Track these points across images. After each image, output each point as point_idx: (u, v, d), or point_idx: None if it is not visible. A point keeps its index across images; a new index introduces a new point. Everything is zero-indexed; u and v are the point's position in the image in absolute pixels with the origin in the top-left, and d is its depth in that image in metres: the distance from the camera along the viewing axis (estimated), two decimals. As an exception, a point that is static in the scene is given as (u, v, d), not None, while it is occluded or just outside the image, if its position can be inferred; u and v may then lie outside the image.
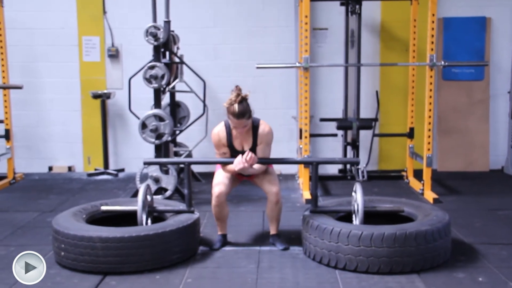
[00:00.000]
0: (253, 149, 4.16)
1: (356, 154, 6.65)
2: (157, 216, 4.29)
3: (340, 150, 6.93)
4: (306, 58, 5.70)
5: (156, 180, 5.54)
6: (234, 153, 4.19)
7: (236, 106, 3.94)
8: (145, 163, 4.53)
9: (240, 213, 5.26)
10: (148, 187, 4.19)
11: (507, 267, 3.84)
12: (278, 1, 7.06)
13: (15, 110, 6.83)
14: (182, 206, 4.34)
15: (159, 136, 5.51)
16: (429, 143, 5.83)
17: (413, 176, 6.50)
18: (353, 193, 4.14)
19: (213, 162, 4.32)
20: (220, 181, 4.23)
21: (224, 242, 4.31)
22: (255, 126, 4.17)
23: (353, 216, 4.11)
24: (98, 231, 3.78)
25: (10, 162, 6.66)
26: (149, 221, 4.15)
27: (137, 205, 4.04)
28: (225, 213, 4.28)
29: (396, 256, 3.65)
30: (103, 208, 4.29)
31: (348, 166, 6.85)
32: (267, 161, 4.21)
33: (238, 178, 4.37)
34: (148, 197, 4.18)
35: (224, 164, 4.23)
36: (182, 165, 6.51)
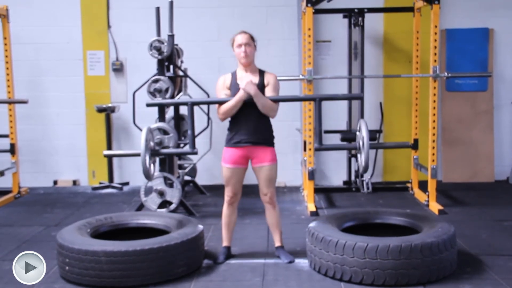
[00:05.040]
0: (259, 88, 4.11)
1: (361, 166, 6.64)
2: (161, 229, 4.28)
3: (345, 162, 6.92)
4: (309, 70, 5.72)
5: (161, 194, 5.54)
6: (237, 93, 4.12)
7: None
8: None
9: (245, 225, 5.25)
10: (149, 130, 4.19)
11: (513, 278, 3.82)
12: (282, 14, 7.09)
13: (20, 125, 6.86)
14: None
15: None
16: (433, 154, 5.82)
17: (418, 187, 6.48)
18: (358, 132, 4.25)
19: (215, 102, 4.21)
20: (229, 182, 4.18)
21: (228, 255, 4.29)
22: (261, 71, 4.21)
23: (358, 154, 4.24)
24: (102, 245, 3.79)
25: (15, 176, 6.67)
26: (152, 166, 4.21)
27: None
28: (233, 219, 4.28)
29: (402, 268, 3.64)
30: (105, 152, 4.51)
31: (353, 177, 6.83)
32: (273, 99, 4.12)
33: (243, 163, 4.18)
34: (151, 143, 4.20)
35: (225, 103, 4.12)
36: (186, 178, 6.53)
